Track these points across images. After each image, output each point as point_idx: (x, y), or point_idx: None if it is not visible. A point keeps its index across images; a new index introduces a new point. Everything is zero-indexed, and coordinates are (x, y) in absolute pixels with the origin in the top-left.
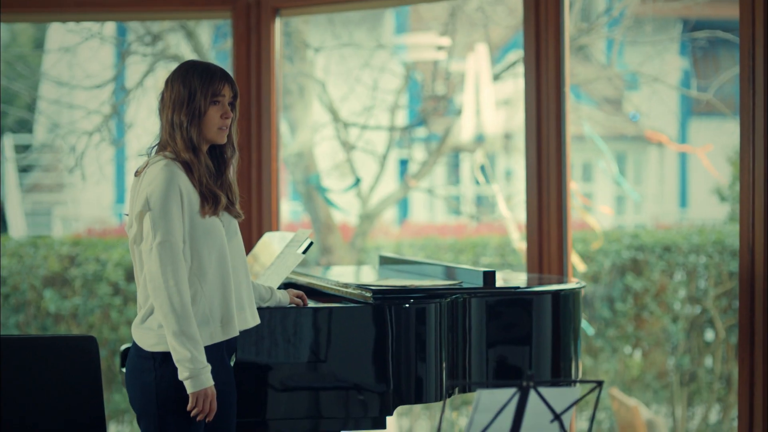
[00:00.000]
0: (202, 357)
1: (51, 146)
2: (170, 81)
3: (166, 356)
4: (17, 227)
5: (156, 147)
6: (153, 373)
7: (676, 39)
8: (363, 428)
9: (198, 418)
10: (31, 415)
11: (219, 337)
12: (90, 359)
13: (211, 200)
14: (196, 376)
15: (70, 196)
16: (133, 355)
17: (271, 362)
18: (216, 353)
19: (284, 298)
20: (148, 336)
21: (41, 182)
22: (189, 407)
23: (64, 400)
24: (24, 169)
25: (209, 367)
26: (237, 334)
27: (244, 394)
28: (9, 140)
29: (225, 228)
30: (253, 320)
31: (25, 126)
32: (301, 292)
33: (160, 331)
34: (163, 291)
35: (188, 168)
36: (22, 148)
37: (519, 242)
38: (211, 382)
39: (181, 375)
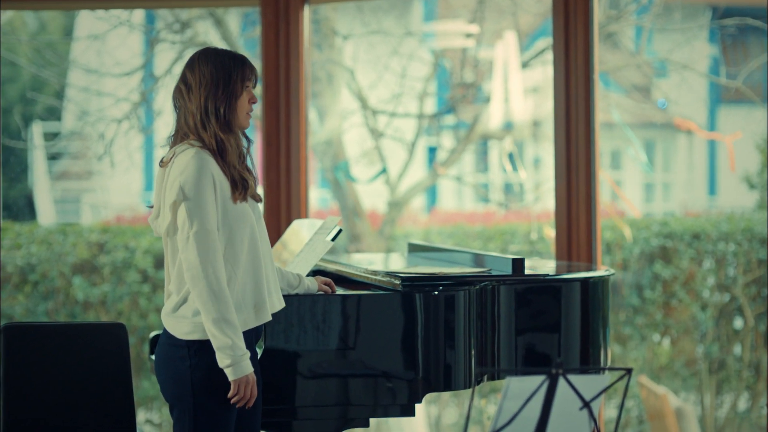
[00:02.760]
0: (242, 344)
1: (80, 134)
2: (196, 63)
3: (201, 344)
4: (46, 215)
5: (175, 136)
6: (188, 361)
7: (705, 26)
8: (392, 415)
9: (238, 405)
10: (61, 402)
11: (252, 323)
12: (119, 346)
13: (241, 185)
14: (237, 363)
15: (99, 184)
16: (165, 344)
17: (300, 350)
18: (247, 340)
19: (312, 285)
20: (182, 324)
21: (70, 170)
22: (230, 394)
23: (94, 387)
24: (53, 157)
25: (248, 354)
26: (270, 318)
27: (273, 381)
28: (38, 128)
29: (255, 210)
30: (279, 304)
31: (54, 113)
32: (329, 279)
33: (195, 320)
34: (203, 279)
35: (219, 153)
36: (50, 136)
37: (537, 232)
38: (251, 369)
39: (222, 362)
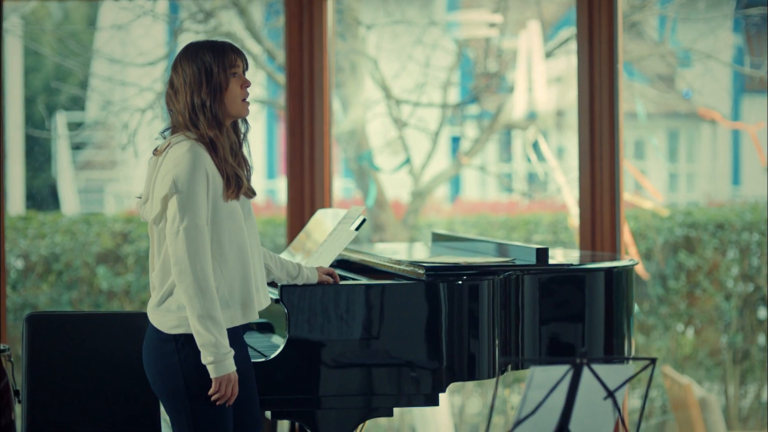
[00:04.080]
0: (226, 342)
1: (104, 123)
2: (178, 65)
3: (189, 337)
4: (70, 204)
5: (171, 131)
6: (176, 355)
7: (729, 16)
8: (415, 405)
9: (218, 403)
10: (84, 391)
11: (239, 321)
12: (143, 336)
13: (234, 183)
14: (220, 361)
15: (122, 173)
16: (152, 338)
17: (323, 339)
18: (235, 335)
19: (312, 275)
20: (167, 318)
21: (94, 159)
22: (211, 392)
23: (117, 376)
24: (76, 147)
25: (232, 352)
26: (257, 317)
27: (296, 371)
28: (62, 117)
29: (244, 205)
30: (266, 301)
31: (77, 103)
32: (331, 269)
33: (180, 313)
34: (190, 275)
35: (213, 149)
36: (74, 126)
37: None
38: (234, 368)
39: (205, 359)
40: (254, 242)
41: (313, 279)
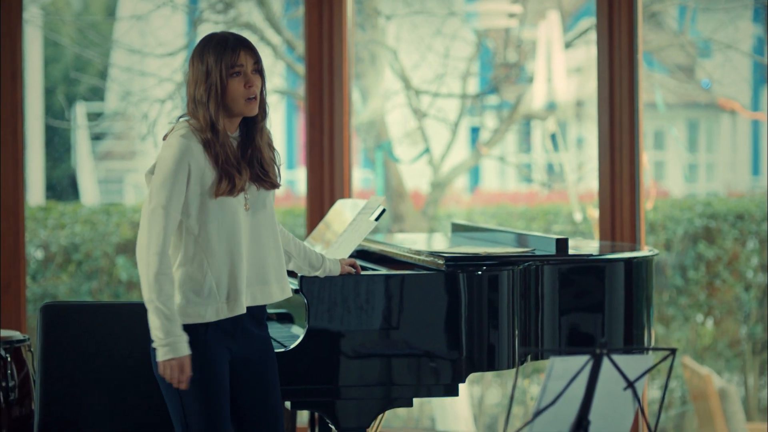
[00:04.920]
0: (173, 327)
1: (123, 114)
2: (192, 58)
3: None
4: (90, 194)
5: (182, 116)
6: None
7: (749, 5)
8: (435, 395)
9: (174, 386)
10: (105, 382)
11: (225, 314)
12: None
13: (226, 182)
14: (161, 346)
15: (142, 164)
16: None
17: (343, 329)
18: (232, 326)
19: (335, 267)
20: None
21: (113, 150)
22: (159, 374)
23: (133, 366)
24: (96, 137)
25: (180, 338)
26: (243, 311)
27: (316, 361)
28: (81, 108)
29: (251, 202)
30: (282, 294)
31: (97, 94)
32: (353, 261)
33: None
34: (144, 257)
35: (207, 145)
36: (94, 116)
37: (581, 212)
38: (183, 353)
39: (153, 341)
40: (267, 235)
41: (335, 271)
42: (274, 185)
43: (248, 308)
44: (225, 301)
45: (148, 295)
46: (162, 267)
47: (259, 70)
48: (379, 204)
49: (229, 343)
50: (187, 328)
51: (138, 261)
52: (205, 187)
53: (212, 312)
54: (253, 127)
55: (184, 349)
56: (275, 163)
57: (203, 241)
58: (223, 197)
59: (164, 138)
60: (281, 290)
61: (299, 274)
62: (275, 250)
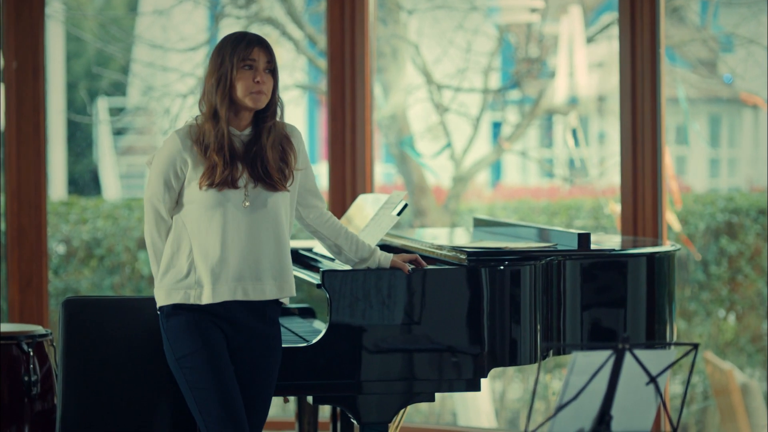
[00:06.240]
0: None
1: (145, 109)
2: (211, 55)
3: (172, 308)
4: (111, 189)
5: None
6: (163, 326)
7: None
8: (457, 390)
9: None
10: (127, 376)
11: (193, 299)
12: None
13: (208, 173)
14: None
15: None
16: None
17: (365, 324)
18: (224, 312)
19: (384, 261)
20: (157, 294)
21: (135, 145)
22: None
23: (155, 361)
24: (118, 132)
25: None
26: (212, 301)
27: (338, 356)
28: (103, 103)
29: (251, 199)
30: (278, 292)
31: (119, 89)
32: (416, 256)
33: (162, 287)
34: (148, 239)
35: (199, 136)
36: (116, 111)
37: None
38: None
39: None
40: (266, 232)
41: (385, 264)
42: (276, 188)
43: (244, 302)
44: (194, 287)
45: (154, 273)
46: (153, 249)
47: (272, 70)
48: (401, 199)
49: (223, 326)
50: (180, 306)
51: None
52: (192, 177)
53: (181, 295)
54: (262, 126)
55: None
56: (286, 167)
57: (189, 229)
58: (214, 190)
59: None
60: (278, 288)
61: (321, 269)
62: (276, 249)
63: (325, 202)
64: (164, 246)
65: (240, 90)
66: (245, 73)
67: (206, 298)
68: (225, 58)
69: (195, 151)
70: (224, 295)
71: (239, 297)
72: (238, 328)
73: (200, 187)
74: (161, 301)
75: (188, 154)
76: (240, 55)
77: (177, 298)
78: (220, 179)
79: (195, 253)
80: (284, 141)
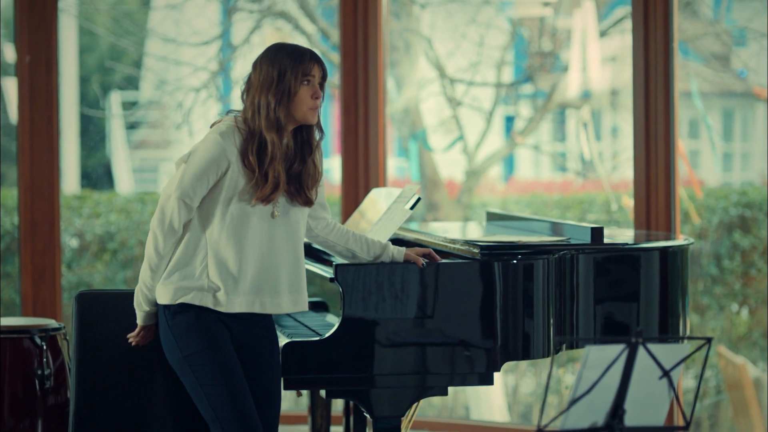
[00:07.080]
0: (139, 299)
1: (158, 103)
2: (258, 63)
3: (180, 306)
4: (124, 183)
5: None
6: (167, 323)
7: None
8: (470, 384)
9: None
10: (139, 370)
11: (207, 304)
12: None
13: (262, 185)
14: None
15: (176, 153)
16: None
17: (378, 318)
18: (205, 321)
19: (398, 255)
20: (161, 292)
21: (148, 139)
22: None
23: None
24: (131, 126)
25: (144, 310)
26: (225, 311)
27: (351, 349)
28: (116, 97)
29: (279, 210)
30: (293, 306)
31: (132, 83)
32: (429, 250)
33: (167, 284)
34: (151, 236)
35: (262, 147)
36: (129, 105)
37: (616, 201)
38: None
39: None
40: (281, 245)
41: (399, 258)
42: (309, 203)
43: (253, 314)
44: (207, 291)
45: (143, 272)
46: (161, 252)
47: (322, 86)
48: (414, 192)
49: (229, 323)
50: (188, 305)
51: (149, 232)
52: (234, 188)
53: (191, 297)
54: (309, 146)
55: (139, 320)
56: (317, 183)
57: (207, 234)
58: (253, 205)
59: (211, 126)
60: (293, 303)
61: (334, 263)
62: (293, 262)
63: (330, 212)
64: (168, 248)
65: (299, 104)
66: (305, 87)
67: (221, 308)
68: (286, 71)
69: (239, 157)
70: (241, 307)
71: (256, 310)
72: (242, 327)
73: (252, 204)
74: (166, 299)
75: (234, 159)
76: (302, 70)
77: (186, 299)
78: (272, 192)
79: (210, 258)
80: (317, 155)
